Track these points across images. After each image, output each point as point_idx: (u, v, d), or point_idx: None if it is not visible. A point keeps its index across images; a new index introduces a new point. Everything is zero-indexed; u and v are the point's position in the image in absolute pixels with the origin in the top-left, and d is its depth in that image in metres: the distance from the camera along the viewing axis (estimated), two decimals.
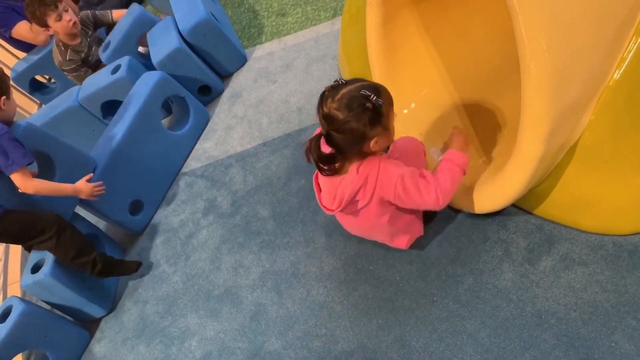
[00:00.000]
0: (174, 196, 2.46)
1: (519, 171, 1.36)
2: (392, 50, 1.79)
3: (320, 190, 1.60)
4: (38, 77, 3.65)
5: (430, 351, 1.48)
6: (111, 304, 2.20)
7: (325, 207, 1.57)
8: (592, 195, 1.45)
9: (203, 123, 2.68)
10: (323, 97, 1.38)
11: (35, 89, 3.64)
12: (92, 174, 2.05)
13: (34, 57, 3.41)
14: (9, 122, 1.92)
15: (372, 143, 1.39)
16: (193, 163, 2.55)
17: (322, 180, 1.56)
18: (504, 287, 1.50)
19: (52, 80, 3.73)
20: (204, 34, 2.63)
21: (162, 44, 2.62)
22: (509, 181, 1.41)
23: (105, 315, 2.19)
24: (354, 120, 1.34)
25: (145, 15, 2.89)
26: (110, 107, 2.76)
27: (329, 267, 1.81)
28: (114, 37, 2.86)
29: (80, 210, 2.25)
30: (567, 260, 1.47)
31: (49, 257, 2.01)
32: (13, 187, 1.97)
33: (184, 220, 2.33)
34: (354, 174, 1.45)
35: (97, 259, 2.03)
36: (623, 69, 1.33)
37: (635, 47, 1.31)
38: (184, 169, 2.55)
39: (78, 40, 2.92)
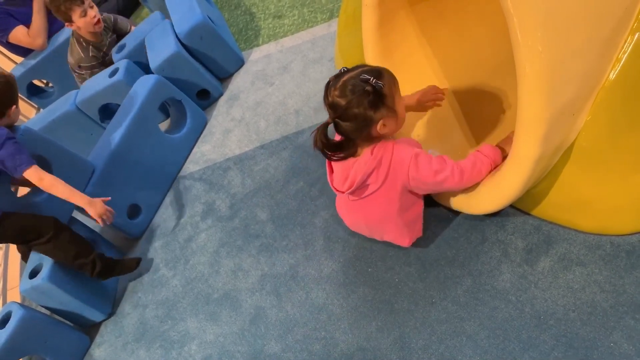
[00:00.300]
0: (172, 200, 2.46)
1: (516, 172, 1.36)
2: (389, 52, 1.79)
3: (332, 172, 1.60)
4: (36, 82, 3.64)
5: (430, 353, 1.48)
6: (111, 308, 2.20)
7: (336, 188, 1.57)
8: (589, 196, 1.45)
9: (201, 126, 2.68)
10: (327, 87, 1.42)
11: (33, 93, 3.64)
12: (109, 198, 1.96)
13: (32, 62, 3.40)
14: (11, 127, 1.93)
15: (379, 126, 1.41)
16: (191, 166, 2.55)
17: (335, 162, 1.55)
18: (503, 288, 1.50)
19: (50, 85, 3.73)
20: (200, 37, 2.63)
21: (159, 48, 2.62)
22: (506, 182, 1.41)
23: (105, 320, 2.19)
24: (355, 105, 1.36)
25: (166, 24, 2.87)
26: (108, 111, 2.77)
27: (328, 269, 1.81)
28: (130, 40, 2.85)
29: (79, 215, 2.24)
30: (566, 260, 1.47)
31: (47, 262, 2.01)
32: (10, 190, 1.97)
33: (183, 223, 2.33)
34: (367, 155, 1.45)
35: (97, 260, 2.03)
36: (618, 69, 1.33)
37: (630, 47, 1.31)
38: (182, 172, 2.55)
39: (100, 38, 2.92)
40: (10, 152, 1.78)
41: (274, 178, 2.23)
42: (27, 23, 3.33)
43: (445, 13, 1.83)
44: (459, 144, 1.82)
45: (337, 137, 1.50)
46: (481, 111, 1.83)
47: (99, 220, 1.90)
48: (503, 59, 1.79)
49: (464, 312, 1.51)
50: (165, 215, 2.42)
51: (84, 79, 2.96)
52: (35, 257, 2.07)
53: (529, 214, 1.59)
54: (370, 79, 1.36)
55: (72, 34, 2.92)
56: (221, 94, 2.80)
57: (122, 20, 3.07)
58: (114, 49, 2.93)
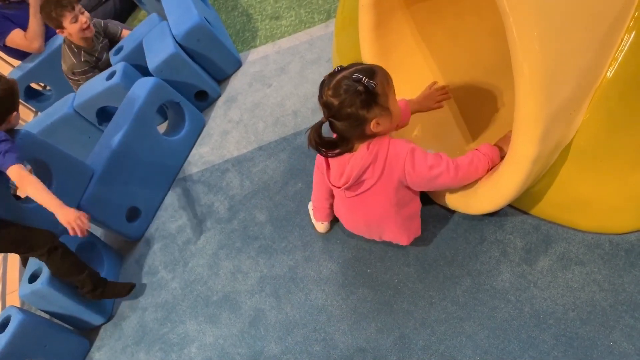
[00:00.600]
0: (171, 202, 2.46)
1: (514, 172, 1.36)
2: (386, 52, 1.79)
3: (328, 168, 1.60)
4: (33, 85, 3.64)
5: (430, 353, 1.48)
6: (110, 312, 2.19)
7: (332, 184, 1.57)
8: (588, 195, 1.44)
9: (199, 128, 2.68)
10: (322, 86, 1.43)
11: (31, 96, 3.63)
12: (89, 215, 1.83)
13: (29, 65, 3.40)
14: (10, 132, 1.92)
15: (373, 125, 1.41)
16: (189, 168, 2.55)
17: (332, 158, 1.56)
18: (502, 288, 1.50)
19: (48, 88, 3.73)
20: (197, 39, 2.63)
21: (157, 50, 2.61)
22: (504, 182, 1.41)
23: (104, 323, 2.18)
24: (347, 105, 1.37)
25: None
26: (106, 114, 2.76)
27: (327, 270, 1.81)
28: (127, 42, 2.85)
29: None
30: (565, 260, 1.47)
31: (46, 267, 2.00)
32: (8, 194, 1.96)
33: (182, 226, 2.33)
34: (363, 150, 1.46)
35: (89, 279, 2.01)
36: (615, 67, 1.33)
37: (627, 45, 1.31)
38: (181, 175, 2.55)
39: (92, 44, 2.91)
40: (4, 151, 1.74)
41: (272, 179, 2.23)
42: (24, 26, 3.32)
43: (442, 13, 1.83)
44: (457, 144, 1.82)
45: (335, 135, 1.51)
46: (479, 111, 1.83)
47: (69, 228, 1.73)
48: (500, 58, 1.79)
49: (464, 312, 1.51)
50: (164, 218, 2.41)
51: (79, 85, 2.96)
52: (34, 262, 2.07)
53: (527, 214, 1.59)
54: (362, 78, 1.36)
55: (64, 41, 2.92)
56: (219, 96, 2.80)
57: (112, 25, 3.06)
58: (112, 52, 2.92)
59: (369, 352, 1.56)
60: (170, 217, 2.40)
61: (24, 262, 2.22)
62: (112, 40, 3.04)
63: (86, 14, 2.82)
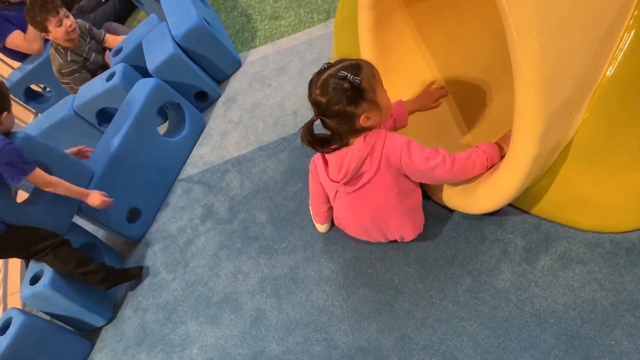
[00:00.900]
0: (171, 203, 2.46)
1: (514, 171, 1.36)
2: (385, 52, 1.79)
3: (326, 164, 1.60)
4: (33, 86, 3.64)
5: (431, 353, 1.48)
6: (111, 313, 2.19)
7: (331, 179, 1.58)
8: (588, 193, 1.44)
9: (199, 129, 2.68)
10: (310, 84, 1.44)
11: (31, 98, 3.64)
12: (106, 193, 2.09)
13: (29, 66, 3.40)
14: (6, 134, 1.92)
15: (362, 120, 1.42)
16: (190, 169, 2.55)
17: (329, 154, 1.57)
18: (503, 287, 1.50)
19: (48, 89, 3.73)
20: (197, 40, 2.63)
21: (157, 50, 2.61)
22: (504, 181, 1.41)
23: (106, 325, 2.18)
24: (334, 103, 1.39)
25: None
26: (106, 115, 2.76)
27: (328, 271, 1.81)
28: (127, 43, 2.86)
29: (79, 220, 2.24)
30: (565, 259, 1.47)
31: (47, 268, 2.01)
32: (8, 198, 1.97)
33: (182, 226, 2.33)
34: (360, 143, 1.47)
35: (98, 268, 2.04)
36: (615, 66, 1.32)
37: (626, 44, 1.30)
38: (181, 175, 2.55)
39: (78, 44, 2.91)
40: (8, 161, 1.77)
41: (272, 180, 2.23)
42: (23, 28, 3.33)
43: (441, 13, 1.83)
44: (457, 143, 1.82)
45: (329, 133, 1.52)
46: (479, 110, 1.83)
47: (99, 208, 2.05)
48: (500, 57, 1.79)
49: (465, 311, 1.51)
50: (164, 219, 2.42)
51: (70, 87, 2.97)
52: (35, 264, 2.07)
53: (528, 213, 1.59)
54: (347, 75, 1.36)
55: (51, 44, 2.92)
56: (219, 96, 2.80)
57: (95, 30, 3.06)
58: (111, 53, 2.92)
59: (370, 352, 1.57)
60: (170, 218, 2.40)
61: (27, 263, 2.22)
62: (98, 43, 3.05)
63: (71, 17, 2.83)
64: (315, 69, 2.50)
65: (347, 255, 1.80)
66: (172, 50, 2.53)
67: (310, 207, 1.95)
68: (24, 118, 3.80)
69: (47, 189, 1.92)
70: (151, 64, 2.59)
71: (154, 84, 2.42)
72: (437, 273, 1.62)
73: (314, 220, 1.91)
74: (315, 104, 1.43)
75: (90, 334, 2.19)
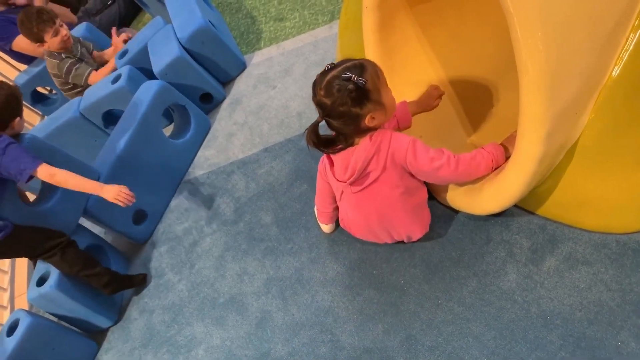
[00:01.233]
0: (177, 205, 2.47)
1: (520, 172, 1.36)
2: (389, 53, 1.79)
3: (332, 164, 1.60)
4: (39, 89, 3.66)
5: (437, 354, 1.48)
6: (117, 314, 2.20)
7: (337, 179, 1.58)
8: (594, 194, 1.44)
9: (204, 131, 2.69)
10: (314, 85, 1.44)
11: (37, 100, 3.65)
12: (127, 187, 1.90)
13: (35, 69, 3.41)
14: (15, 136, 1.94)
15: (367, 120, 1.42)
16: (195, 171, 2.56)
17: (335, 154, 1.57)
18: (509, 288, 1.50)
19: (54, 92, 3.74)
20: (202, 42, 2.64)
21: (162, 53, 2.62)
22: (509, 182, 1.41)
23: (112, 326, 2.19)
24: (339, 104, 1.38)
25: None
26: (112, 117, 2.77)
27: (333, 272, 1.81)
28: (132, 45, 2.87)
29: (85, 222, 2.25)
30: (571, 260, 1.46)
31: (54, 270, 2.02)
32: (15, 199, 1.98)
33: (188, 228, 2.33)
34: (366, 142, 1.47)
35: (103, 272, 2.05)
36: (621, 66, 1.32)
37: (632, 45, 1.30)
38: (187, 177, 2.56)
39: (71, 48, 2.94)
40: (13, 158, 1.77)
41: (277, 181, 2.23)
42: None
43: (445, 14, 1.83)
44: (462, 144, 1.82)
45: (334, 133, 1.52)
46: (483, 110, 1.83)
47: (118, 203, 1.83)
48: (504, 58, 1.78)
49: (470, 313, 1.51)
50: (170, 220, 2.42)
51: (70, 89, 2.99)
52: (42, 265, 2.08)
53: (533, 214, 1.59)
54: (352, 76, 1.36)
55: (44, 54, 2.94)
56: (224, 98, 2.81)
57: (85, 42, 3.10)
58: (117, 55, 2.94)
59: (376, 353, 1.57)
60: (176, 220, 2.40)
61: (34, 263, 2.23)
62: (88, 52, 3.09)
63: (65, 26, 2.86)
64: (320, 70, 2.52)
65: (353, 257, 1.81)
66: (178, 53, 2.54)
67: (315, 207, 1.96)
68: (31, 120, 3.81)
69: (57, 183, 1.84)
70: (157, 66, 2.60)
71: (159, 86, 2.43)
72: (443, 274, 1.61)
73: (318, 221, 1.91)
74: (319, 105, 1.43)
75: (96, 335, 2.19)
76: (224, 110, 2.75)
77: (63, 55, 2.91)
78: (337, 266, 1.82)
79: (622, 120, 1.35)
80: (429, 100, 1.74)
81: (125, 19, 3.97)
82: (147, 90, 2.43)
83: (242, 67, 2.88)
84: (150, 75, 2.66)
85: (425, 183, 1.62)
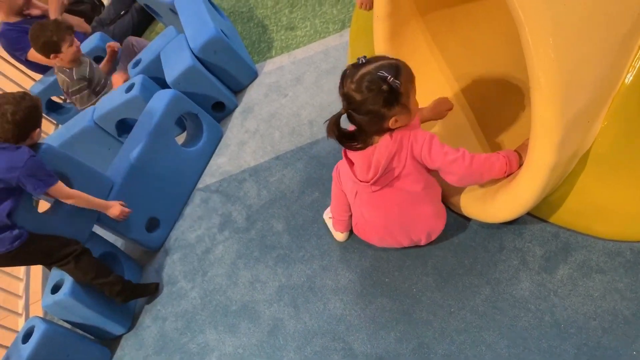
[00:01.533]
0: (189, 212, 2.49)
1: (532, 180, 1.36)
2: None
3: (352, 164, 1.60)
4: (54, 98, 3.71)
5: None
6: (130, 322, 2.22)
7: (359, 179, 1.57)
8: (607, 202, 1.43)
9: (216, 139, 2.71)
10: (344, 77, 1.43)
11: (52, 109, 3.70)
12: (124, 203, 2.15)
13: (50, 79, 3.46)
14: (32, 146, 1.97)
15: (391, 122, 1.43)
16: (207, 179, 2.58)
17: (353, 153, 1.57)
18: (522, 296, 1.49)
19: (68, 101, 3.79)
20: (214, 51, 2.66)
21: (175, 62, 2.65)
22: (522, 190, 1.41)
23: (126, 333, 2.21)
24: (370, 102, 1.39)
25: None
26: (125, 126, 2.81)
27: (345, 280, 1.81)
28: (146, 55, 2.91)
29: (98, 230, 2.28)
30: (585, 268, 1.45)
31: (68, 277, 2.04)
32: (30, 208, 2.00)
33: (200, 235, 2.35)
34: (387, 140, 1.47)
35: (116, 280, 2.06)
36: (634, 74, 1.32)
37: None
38: (199, 185, 2.58)
39: (79, 62, 2.98)
40: (32, 173, 1.82)
41: (289, 189, 2.24)
42: None
43: (456, 22, 1.84)
44: (474, 152, 1.81)
45: (351, 128, 1.52)
46: (496, 118, 1.83)
47: (120, 219, 2.12)
48: (516, 65, 1.79)
49: (483, 321, 1.50)
50: (183, 228, 2.44)
51: (77, 101, 3.04)
52: (56, 273, 2.10)
53: (546, 221, 1.58)
54: (388, 77, 1.36)
55: (54, 69, 3.00)
56: (236, 106, 2.83)
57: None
58: (130, 64, 2.97)
59: None
60: (189, 227, 2.42)
61: (49, 269, 2.26)
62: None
63: (76, 39, 2.93)
64: (331, 79, 2.54)
65: (364, 265, 1.81)
66: (190, 62, 2.57)
67: (326, 214, 1.96)
68: (46, 129, 3.85)
69: (68, 202, 1.97)
70: (169, 75, 2.63)
71: (172, 95, 2.45)
72: (455, 282, 1.61)
73: (333, 229, 1.91)
74: (346, 97, 1.42)
75: (110, 343, 2.21)
76: (236, 118, 2.77)
77: (75, 76, 2.96)
78: (349, 274, 1.82)
79: (636, 127, 1.35)
80: (440, 108, 1.74)
81: (138, 29, 4.02)
82: (161, 99, 2.46)
83: (254, 75, 2.90)
84: (163, 85, 2.69)
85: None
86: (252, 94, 2.83)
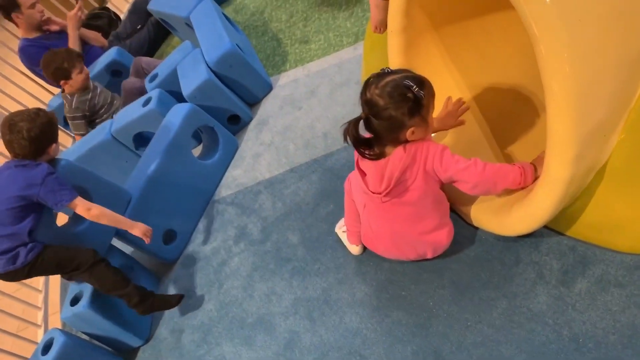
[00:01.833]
0: (205, 224, 2.51)
1: (548, 194, 1.36)
2: None
3: (364, 175, 1.61)
4: None
5: None
6: (148, 333, 2.24)
7: (371, 191, 1.58)
8: (625, 215, 1.43)
9: (232, 151, 2.73)
10: (367, 84, 1.46)
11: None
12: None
13: None
14: (51, 161, 2.00)
15: (408, 133, 1.45)
16: (223, 191, 2.60)
17: (366, 164, 1.58)
18: (539, 310, 1.48)
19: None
20: (230, 65, 2.70)
21: (191, 76, 2.69)
22: (538, 203, 1.41)
23: (143, 345, 2.23)
24: (393, 108, 1.41)
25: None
26: (142, 139, 2.85)
27: (361, 293, 1.82)
28: (162, 69, 2.96)
29: (116, 242, 2.31)
30: (603, 282, 1.44)
31: (87, 290, 2.07)
32: (51, 223, 2.04)
33: (216, 247, 2.37)
34: (400, 152, 1.49)
35: (133, 292, 2.05)
36: None
37: None
38: (215, 197, 2.60)
39: (84, 93, 3.07)
40: (51, 189, 1.85)
41: (304, 201, 2.26)
42: None
43: (470, 35, 1.84)
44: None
45: (366, 135, 1.54)
46: (510, 131, 1.83)
47: (144, 238, 2.05)
48: (530, 77, 1.79)
49: (500, 335, 1.49)
50: (199, 240, 2.46)
51: (73, 127, 3.13)
52: (75, 285, 2.13)
53: (563, 234, 1.58)
54: (413, 86, 1.40)
55: (61, 91, 3.09)
56: (251, 119, 2.86)
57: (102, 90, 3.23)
58: (147, 78, 3.02)
59: None
60: (205, 239, 2.44)
61: (68, 279, 2.28)
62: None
63: (85, 67, 3.04)
64: (345, 91, 2.56)
65: (380, 278, 1.81)
66: (206, 76, 2.60)
67: (339, 228, 1.97)
68: (64, 142, 3.92)
69: (92, 218, 1.94)
70: (186, 89, 2.66)
71: (189, 109, 2.49)
72: (472, 296, 1.61)
73: (347, 242, 1.92)
74: (368, 103, 1.45)
75: (128, 354, 2.23)
76: (251, 131, 2.80)
77: (74, 104, 3.04)
78: (365, 287, 1.82)
79: None
80: (450, 119, 1.75)
81: (154, 43, 4.08)
82: (177, 112, 2.49)
83: (269, 88, 2.93)
84: (180, 98, 2.73)
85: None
86: (267, 106, 2.86)
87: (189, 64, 2.78)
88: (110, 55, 3.53)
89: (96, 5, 4.51)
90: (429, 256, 1.69)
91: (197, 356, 2.03)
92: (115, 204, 2.18)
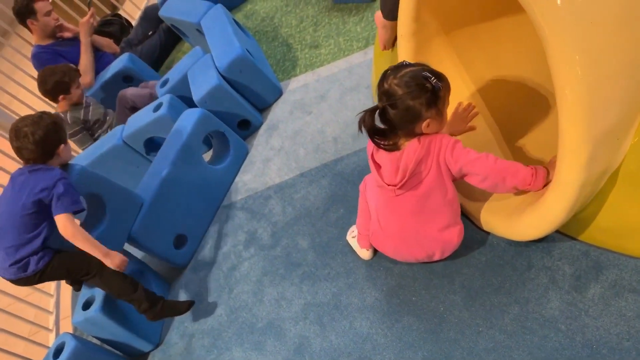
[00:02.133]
0: (215, 229, 2.51)
1: (560, 198, 1.34)
2: None
3: (379, 167, 1.61)
4: None
5: None
6: (158, 338, 2.24)
7: (387, 183, 1.58)
8: (639, 220, 1.40)
9: (242, 156, 2.74)
10: (385, 75, 1.48)
11: None
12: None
13: None
14: (64, 166, 2.02)
15: (424, 125, 1.46)
16: (233, 196, 2.61)
17: (381, 156, 1.58)
18: (552, 316, 1.47)
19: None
20: (240, 70, 2.71)
21: (201, 81, 2.71)
22: (550, 208, 1.39)
23: (153, 350, 2.23)
24: (410, 98, 1.42)
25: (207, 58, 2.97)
26: (154, 144, 2.86)
27: (371, 298, 1.81)
28: (173, 75, 2.98)
29: (128, 247, 2.32)
30: (617, 287, 1.42)
31: (98, 294, 2.08)
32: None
33: (226, 252, 2.37)
34: (415, 144, 1.50)
35: (142, 298, 2.03)
36: None
37: None
38: (225, 202, 2.61)
39: (76, 108, 3.10)
40: (59, 194, 1.86)
41: (314, 206, 2.25)
42: (75, 62, 3.49)
43: (481, 38, 1.84)
44: None
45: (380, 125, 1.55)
46: (521, 135, 1.81)
47: (118, 270, 1.96)
48: (542, 81, 1.78)
49: (512, 341, 1.48)
50: (209, 245, 2.47)
51: (76, 142, 3.18)
52: (87, 290, 2.14)
53: (575, 239, 1.56)
54: (431, 77, 1.42)
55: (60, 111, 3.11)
56: (261, 124, 2.86)
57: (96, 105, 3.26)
58: (158, 84, 3.04)
59: None
60: (215, 244, 2.45)
61: (77, 287, 2.30)
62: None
63: (80, 82, 3.10)
64: (355, 96, 2.56)
65: (391, 283, 1.80)
66: (217, 81, 2.62)
67: (349, 235, 1.97)
68: (75, 148, 3.95)
69: (66, 236, 1.88)
70: (196, 94, 2.68)
71: (199, 114, 2.50)
72: (483, 301, 1.59)
73: (357, 247, 1.91)
74: (386, 93, 1.46)
75: (138, 359, 2.23)
76: (261, 135, 2.80)
77: (69, 120, 3.08)
78: (375, 292, 1.81)
79: None
80: (459, 124, 1.75)
81: (165, 49, 4.11)
82: (188, 118, 2.50)
83: (279, 93, 2.94)
84: (190, 103, 2.74)
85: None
86: (277, 111, 2.86)
87: (199, 70, 2.80)
88: (121, 61, 3.55)
89: (108, 11, 4.55)
90: (437, 257, 1.66)
91: None
92: (128, 209, 2.20)
